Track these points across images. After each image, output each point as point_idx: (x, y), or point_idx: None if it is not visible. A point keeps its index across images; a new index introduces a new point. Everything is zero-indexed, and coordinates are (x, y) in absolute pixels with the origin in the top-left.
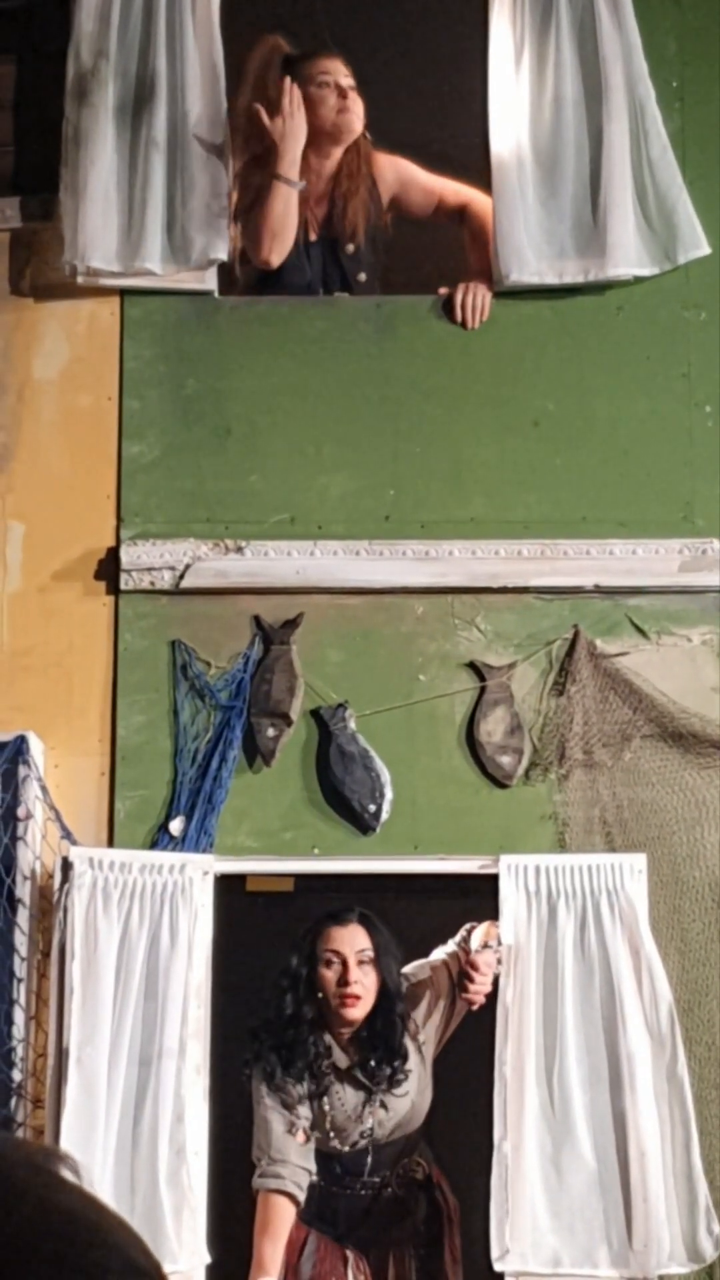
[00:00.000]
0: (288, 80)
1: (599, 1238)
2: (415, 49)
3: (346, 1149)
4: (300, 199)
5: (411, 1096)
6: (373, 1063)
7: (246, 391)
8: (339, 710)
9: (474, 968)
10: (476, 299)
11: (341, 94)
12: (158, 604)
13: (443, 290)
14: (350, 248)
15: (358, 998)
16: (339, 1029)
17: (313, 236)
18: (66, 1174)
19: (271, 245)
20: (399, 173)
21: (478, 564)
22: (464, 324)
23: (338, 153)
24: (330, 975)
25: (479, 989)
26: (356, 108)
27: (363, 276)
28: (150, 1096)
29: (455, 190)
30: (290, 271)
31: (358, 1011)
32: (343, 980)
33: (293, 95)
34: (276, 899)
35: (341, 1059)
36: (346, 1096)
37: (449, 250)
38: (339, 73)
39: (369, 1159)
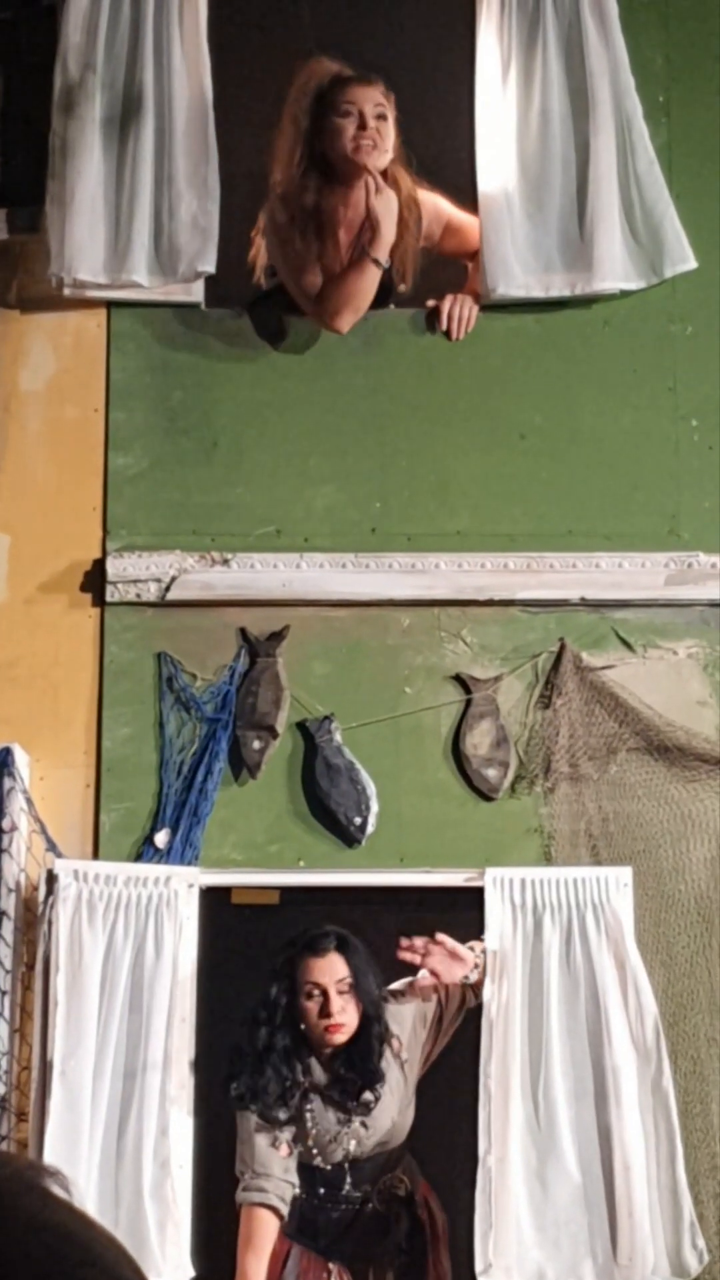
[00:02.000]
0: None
1: (584, 1251)
2: (402, 63)
3: (328, 1165)
4: (329, 226)
5: (392, 1114)
6: (348, 1086)
7: (233, 404)
8: (325, 723)
9: (438, 942)
10: (463, 310)
11: (362, 125)
12: (143, 616)
13: (430, 302)
14: (403, 287)
15: (341, 1025)
16: (320, 1050)
17: (337, 267)
18: (57, 1190)
19: (350, 317)
20: (437, 212)
21: (464, 576)
22: (449, 335)
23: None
24: (313, 1007)
25: (432, 962)
26: (380, 140)
27: (402, 288)
28: (135, 1110)
29: (475, 238)
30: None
31: (341, 1037)
32: (325, 1012)
33: (376, 180)
34: (262, 912)
35: (322, 1077)
36: (325, 1116)
37: (442, 263)
38: (367, 101)
39: (349, 1175)
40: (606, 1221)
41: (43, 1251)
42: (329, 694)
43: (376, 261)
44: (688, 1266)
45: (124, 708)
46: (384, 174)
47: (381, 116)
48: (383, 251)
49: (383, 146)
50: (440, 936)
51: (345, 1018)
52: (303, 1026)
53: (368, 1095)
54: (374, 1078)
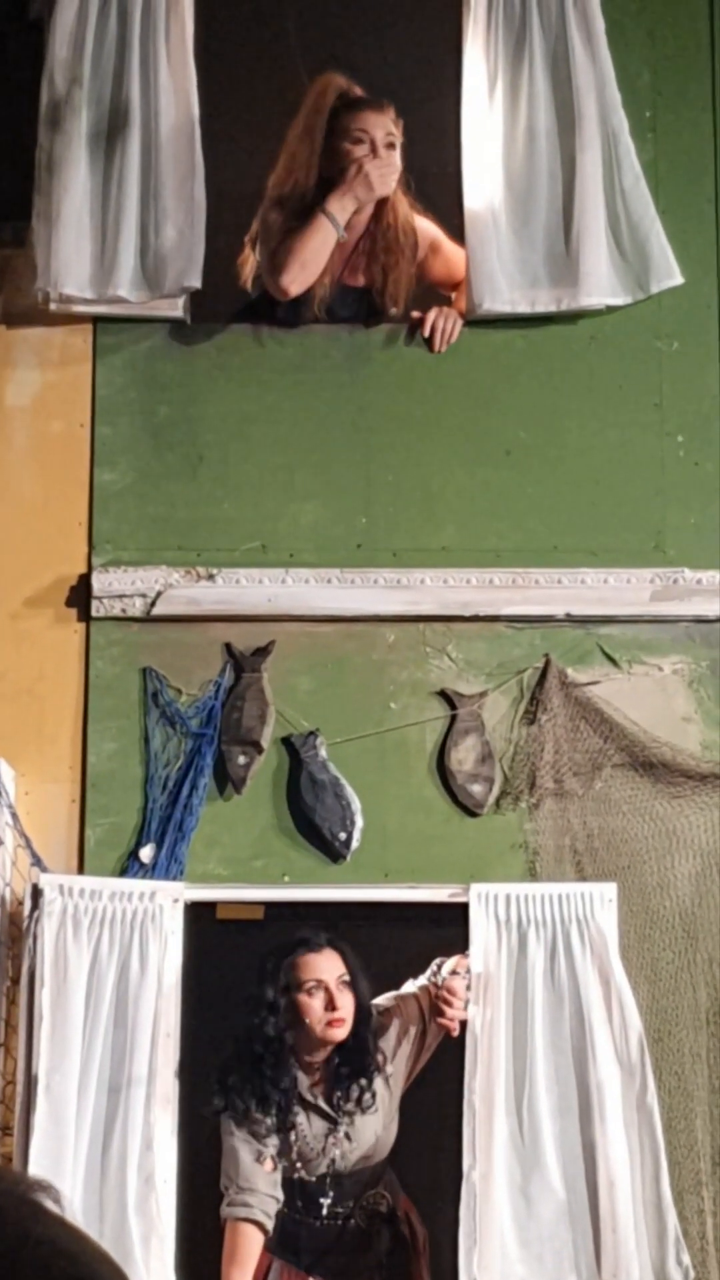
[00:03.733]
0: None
1: (568, 1267)
2: (389, 79)
3: (312, 1179)
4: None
5: (376, 1129)
6: (338, 1092)
7: (218, 419)
8: (310, 738)
9: (450, 992)
10: (446, 324)
11: (373, 151)
12: (129, 631)
13: (415, 314)
14: (394, 311)
15: (344, 1020)
16: (309, 1057)
17: (327, 279)
18: (48, 1204)
19: (298, 275)
20: (432, 240)
21: (449, 592)
22: (431, 345)
23: (368, 207)
24: (315, 1002)
25: (455, 1013)
26: (389, 167)
27: (395, 312)
28: (119, 1124)
29: (463, 270)
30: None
31: (343, 1031)
32: (330, 1005)
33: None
34: (247, 927)
35: (307, 1089)
36: (312, 1127)
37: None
38: (379, 127)
39: (331, 1190)
40: (590, 1237)
41: (35, 1265)
42: (314, 709)
43: (330, 218)
44: None
45: (109, 723)
46: (384, 200)
47: (391, 144)
48: (340, 211)
49: (391, 175)
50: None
51: (346, 1012)
52: (308, 1021)
53: (366, 1095)
54: (368, 1072)
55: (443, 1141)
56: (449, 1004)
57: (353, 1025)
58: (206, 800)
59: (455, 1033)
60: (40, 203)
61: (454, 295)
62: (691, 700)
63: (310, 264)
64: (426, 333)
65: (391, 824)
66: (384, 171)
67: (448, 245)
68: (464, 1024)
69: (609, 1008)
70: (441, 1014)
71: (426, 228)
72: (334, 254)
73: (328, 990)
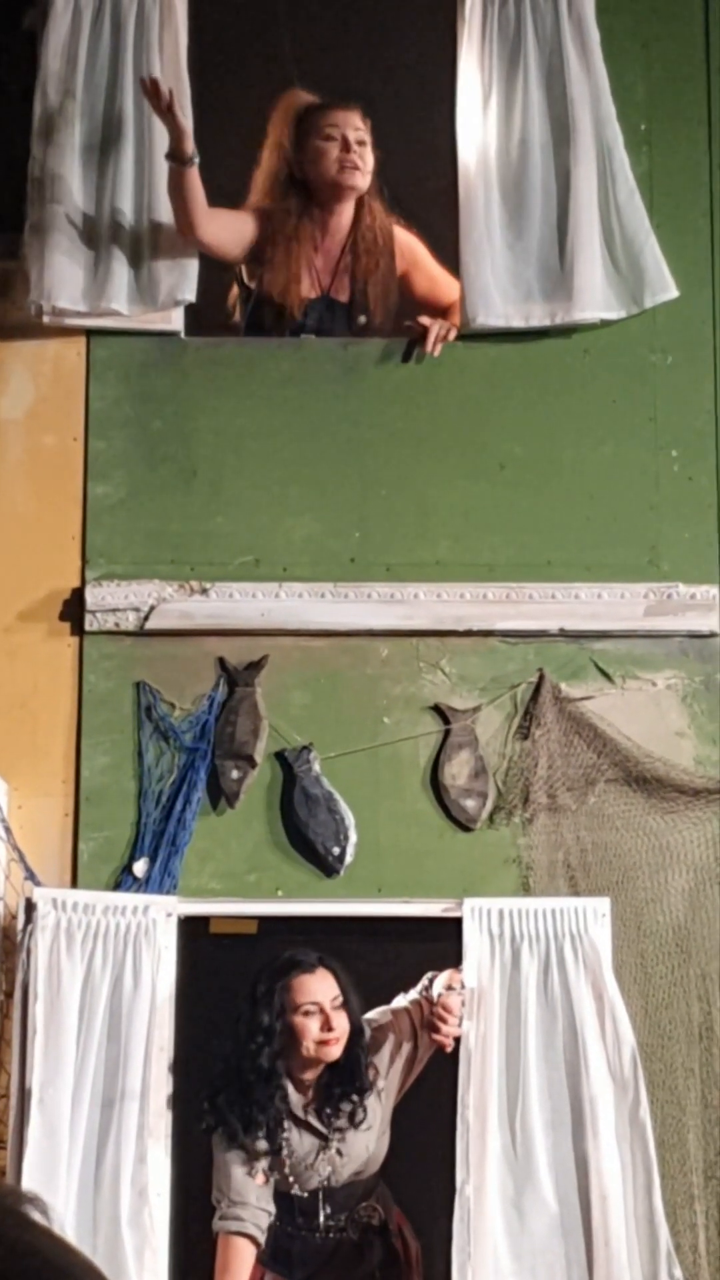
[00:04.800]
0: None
1: None
2: (383, 91)
3: (304, 1193)
4: (303, 248)
5: (368, 1143)
6: (329, 1109)
7: (212, 433)
8: (303, 752)
9: (445, 1008)
10: (442, 330)
11: (345, 148)
12: (122, 645)
13: (408, 324)
14: (363, 319)
15: (338, 1039)
16: (301, 1075)
17: (313, 293)
18: (36, 1216)
19: (193, 221)
20: (413, 253)
21: (443, 607)
22: (424, 347)
23: (345, 209)
24: (312, 1024)
25: (450, 1030)
26: (362, 163)
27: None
28: (112, 1138)
29: (450, 291)
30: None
31: (337, 1051)
32: (325, 1026)
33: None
34: (240, 941)
35: (299, 1107)
36: (304, 1144)
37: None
38: (349, 125)
39: (324, 1203)
40: (583, 1251)
41: (23, 1276)
42: (307, 724)
43: (173, 159)
44: None
45: (103, 737)
46: (360, 201)
47: (362, 142)
48: (173, 145)
49: (364, 169)
50: (452, 1005)
51: (342, 1032)
52: (303, 1043)
53: (358, 1112)
54: (361, 1091)
55: (436, 1155)
56: (444, 1021)
57: (347, 1043)
58: (200, 814)
59: (449, 1049)
60: (33, 215)
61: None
62: (685, 715)
63: (194, 213)
64: (427, 334)
65: (385, 839)
66: (351, 167)
67: (432, 265)
68: (457, 1040)
69: (602, 1022)
70: (436, 1030)
71: (408, 241)
72: (319, 261)
73: (324, 1012)
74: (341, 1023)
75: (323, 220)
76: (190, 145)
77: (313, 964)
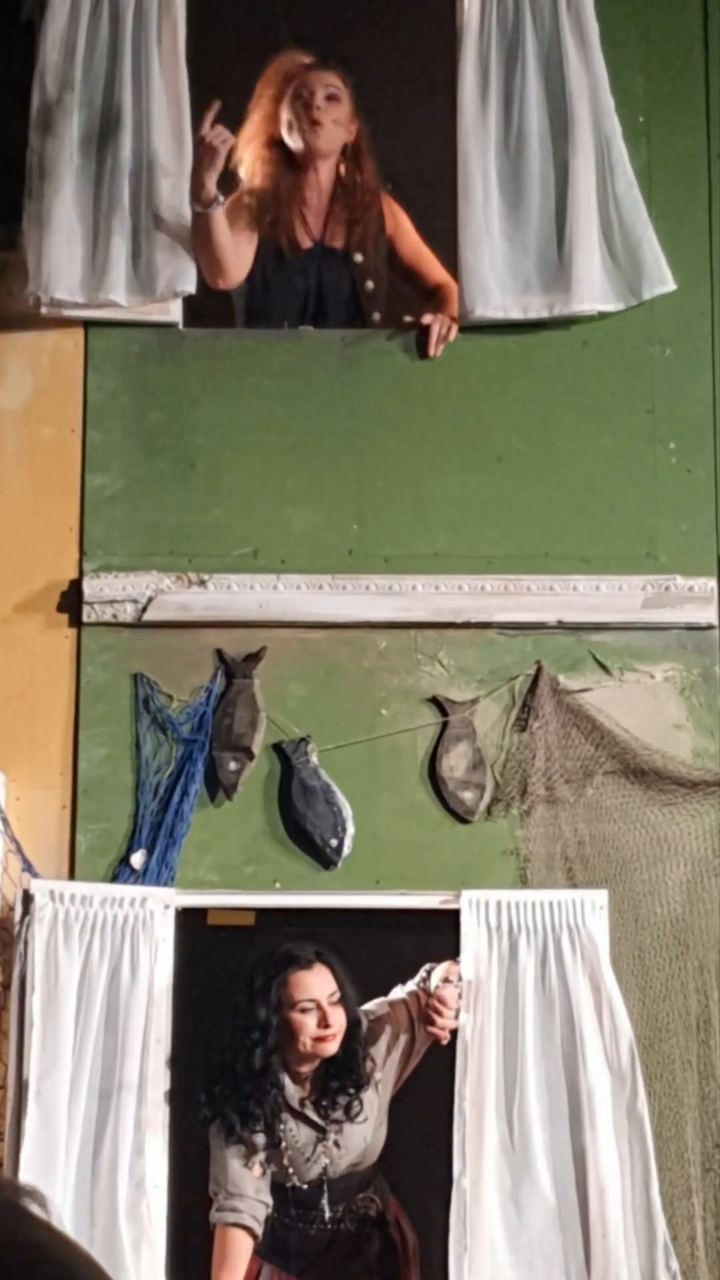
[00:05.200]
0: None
1: (558, 1273)
2: (382, 83)
3: (303, 1184)
4: (291, 208)
5: (365, 1134)
6: (325, 1102)
7: (210, 424)
8: (301, 744)
9: (440, 1001)
10: (443, 329)
11: (308, 106)
12: (120, 637)
13: (409, 319)
14: (359, 256)
15: (335, 1035)
16: (298, 1068)
17: (308, 243)
18: (35, 1209)
19: (224, 271)
20: (397, 220)
21: (441, 599)
22: (426, 349)
23: (326, 166)
24: (309, 1021)
25: (446, 1023)
26: (327, 119)
27: (370, 285)
28: (110, 1130)
29: (437, 267)
30: (281, 283)
31: (334, 1046)
32: (323, 1024)
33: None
34: (238, 933)
35: (295, 1098)
36: (300, 1135)
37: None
38: (319, 84)
39: (322, 1195)
40: (580, 1243)
41: (21, 1269)
42: (305, 716)
43: (204, 209)
44: None
45: (100, 728)
46: (352, 156)
47: (332, 97)
48: (205, 194)
49: (329, 125)
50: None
51: (339, 1028)
52: (300, 1038)
53: (355, 1105)
54: (358, 1086)
55: (433, 1147)
56: (439, 1013)
57: (344, 1037)
58: (197, 806)
59: (445, 1041)
60: (31, 206)
61: (437, 299)
62: (683, 707)
63: (225, 255)
64: (431, 349)
65: (382, 831)
66: (313, 125)
67: (417, 239)
68: (454, 1032)
69: (599, 1014)
70: (432, 1022)
71: (394, 207)
72: (310, 218)
73: (321, 1009)
74: (339, 1018)
75: (309, 179)
76: (211, 189)
77: (310, 959)
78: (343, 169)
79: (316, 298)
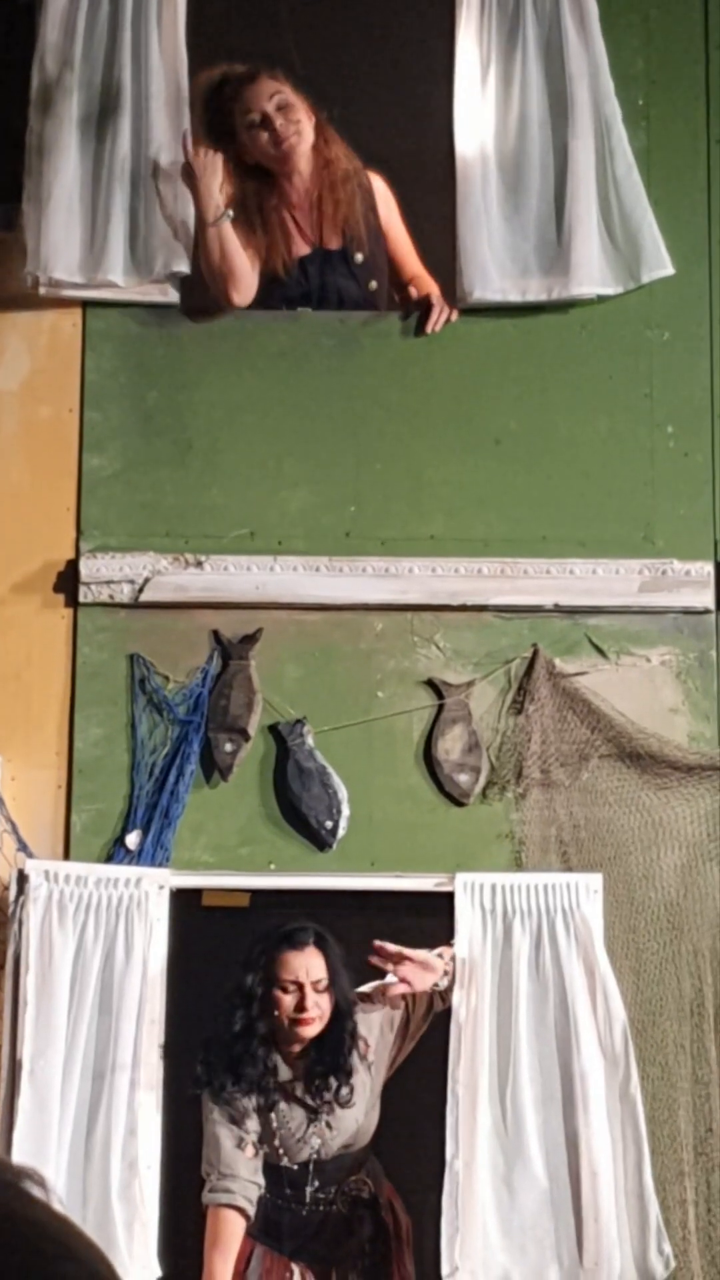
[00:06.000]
0: (194, 148)
1: (550, 1256)
2: (381, 65)
3: (295, 1165)
4: (279, 210)
5: (357, 1115)
6: (318, 1082)
7: (208, 405)
8: (297, 726)
9: (395, 956)
10: (447, 315)
11: (269, 125)
12: (116, 617)
13: (414, 292)
14: (359, 256)
15: (312, 1020)
16: (287, 1046)
17: (305, 249)
18: (35, 1190)
19: (235, 285)
20: (389, 202)
21: (437, 581)
22: (423, 326)
23: (300, 168)
24: (288, 1000)
25: (430, 976)
26: (289, 132)
27: (374, 285)
28: (103, 1110)
29: (414, 261)
30: (285, 289)
31: (312, 1030)
32: (300, 1007)
33: (200, 158)
34: (232, 914)
35: (287, 1078)
36: (292, 1115)
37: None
38: (262, 100)
39: (314, 1176)
40: (573, 1226)
41: (20, 1245)
42: (301, 697)
43: (214, 224)
44: (653, 1272)
45: (96, 709)
46: (315, 155)
47: (282, 105)
48: (211, 209)
49: (292, 137)
50: (409, 951)
51: (317, 1012)
52: (274, 1013)
53: (343, 1090)
54: (345, 1071)
55: (426, 1130)
56: (429, 969)
57: (330, 1023)
58: (193, 787)
59: (440, 999)
60: (31, 186)
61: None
62: (679, 691)
63: (238, 267)
64: (431, 323)
65: (378, 813)
66: (285, 141)
67: (399, 225)
68: (445, 1012)
69: (593, 998)
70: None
71: (386, 192)
72: (299, 217)
73: (302, 991)
74: (319, 1003)
75: (284, 187)
76: (218, 203)
77: (305, 941)
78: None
79: (318, 304)
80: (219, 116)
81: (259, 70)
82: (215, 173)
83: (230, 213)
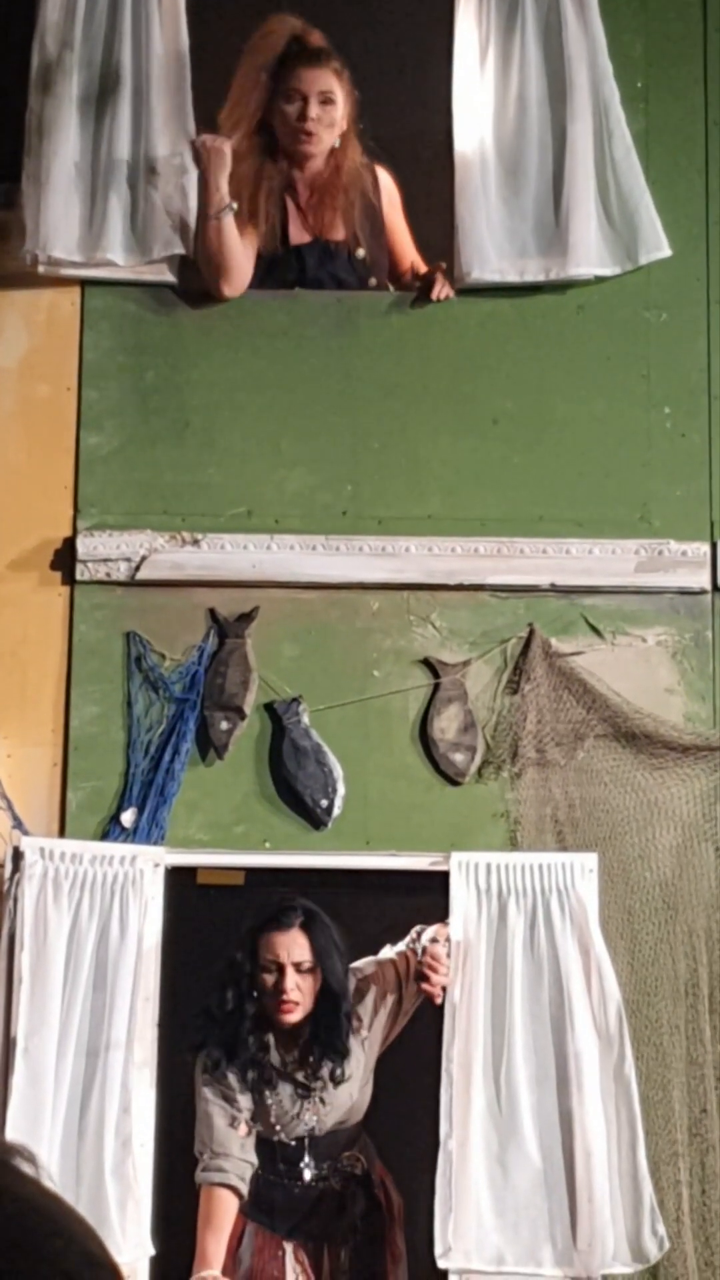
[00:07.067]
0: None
1: (543, 1236)
2: (380, 46)
3: (290, 1142)
4: (281, 190)
5: (351, 1091)
6: (312, 1061)
7: (206, 384)
8: (293, 704)
9: (434, 959)
10: (448, 290)
11: (303, 115)
12: (113, 595)
13: (424, 268)
14: (361, 252)
15: (295, 1004)
16: (280, 1026)
17: (306, 238)
18: (25, 1167)
19: (229, 278)
20: (393, 196)
21: (434, 561)
22: (429, 293)
23: (318, 160)
24: (269, 980)
25: (440, 979)
26: (319, 128)
27: (374, 281)
28: (97, 1088)
29: (411, 251)
30: (282, 272)
31: (294, 1017)
32: (279, 988)
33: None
34: (227, 892)
35: (278, 1059)
36: (284, 1094)
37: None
38: (314, 86)
39: (307, 1152)
40: (566, 1207)
41: (12, 1221)
42: (297, 676)
43: (215, 215)
44: (647, 1253)
45: (92, 686)
46: (332, 151)
47: (327, 101)
48: (217, 199)
49: (322, 133)
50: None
51: (298, 996)
52: (259, 994)
53: (338, 1070)
54: (341, 1053)
55: (420, 1110)
56: (434, 970)
57: (324, 1003)
58: (188, 765)
59: (438, 1000)
60: (30, 165)
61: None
62: (675, 672)
63: (234, 262)
64: (436, 292)
65: (373, 792)
66: (306, 138)
67: (398, 215)
68: (444, 991)
69: (588, 978)
70: (426, 979)
71: (391, 186)
72: (304, 211)
73: (281, 972)
74: (296, 984)
75: (292, 174)
76: (224, 193)
77: (291, 923)
78: (332, 159)
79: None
80: (280, 69)
81: (327, 56)
82: (223, 165)
83: (234, 205)
